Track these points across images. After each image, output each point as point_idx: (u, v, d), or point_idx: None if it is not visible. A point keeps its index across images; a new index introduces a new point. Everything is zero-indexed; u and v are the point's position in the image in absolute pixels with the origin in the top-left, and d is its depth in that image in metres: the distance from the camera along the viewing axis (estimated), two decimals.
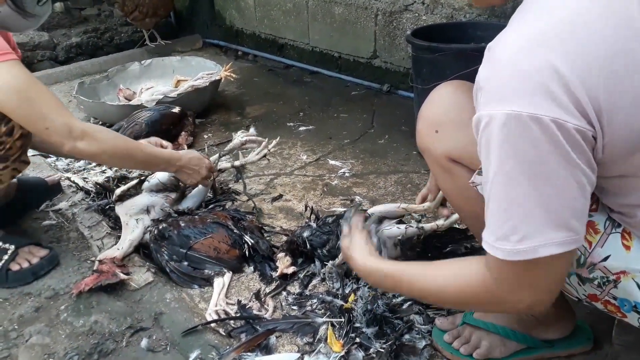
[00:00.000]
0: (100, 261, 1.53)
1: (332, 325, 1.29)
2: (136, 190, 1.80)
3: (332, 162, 2.25)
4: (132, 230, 1.64)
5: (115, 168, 2.13)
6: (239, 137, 1.93)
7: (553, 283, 0.86)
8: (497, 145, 0.77)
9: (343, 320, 1.29)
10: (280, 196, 2.01)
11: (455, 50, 2.03)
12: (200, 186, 1.84)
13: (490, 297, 0.90)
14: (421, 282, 1.00)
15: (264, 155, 1.92)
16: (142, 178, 1.82)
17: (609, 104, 0.75)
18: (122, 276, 1.48)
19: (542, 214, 0.78)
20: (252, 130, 1.99)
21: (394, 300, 1.36)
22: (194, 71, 3.01)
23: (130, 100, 2.78)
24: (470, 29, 2.35)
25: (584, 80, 0.74)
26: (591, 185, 0.80)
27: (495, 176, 0.79)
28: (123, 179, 1.97)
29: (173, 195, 1.79)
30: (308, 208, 1.82)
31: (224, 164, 1.94)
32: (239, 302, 1.43)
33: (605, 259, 0.91)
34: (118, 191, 1.77)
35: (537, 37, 0.78)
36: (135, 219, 1.67)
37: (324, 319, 1.31)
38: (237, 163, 1.91)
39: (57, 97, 1.49)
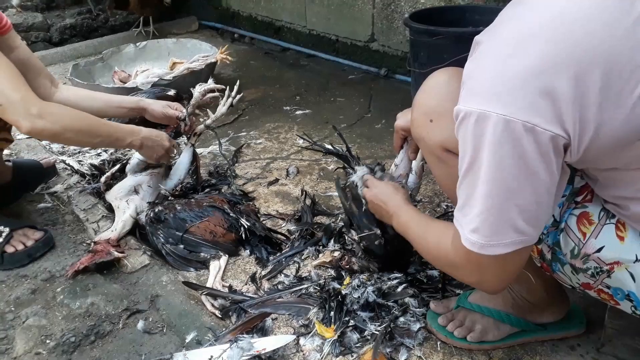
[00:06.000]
0: (95, 242, 1.54)
1: (323, 308, 1.30)
2: (121, 175, 1.78)
3: (328, 146, 2.24)
4: (124, 212, 1.64)
5: (109, 151, 2.12)
6: (196, 90, 1.84)
7: (500, 273, 0.92)
8: (470, 142, 0.82)
9: (334, 305, 1.29)
10: (277, 180, 2.00)
11: (453, 34, 2.02)
12: (182, 154, 1.81)
13: (450, 266, 1.00)
14: (420, 239, 1.12)
15: (231, 105, 1.85)
16: (124, 162, 1.81)
17: (596, 118, 0.76)
18: (117, 254, 1.49)
19: (492, 211, 0.83)
20: (210, 81, 1.89)
21: (388, 283, 1.37)
22: (189, 53, 2.98)
23: (125, 82, 2.76)
24: (468, 13, 2.34)
25: (576, 91, 0.74)
26: (549, 191, 0.83)
27: (467, 168, 0.84)
28: (118, 161, 1.95)
29: (157, 170, 1.77)
30: (304, 192, 1.83)
31: (197, 127, 1.87)
32: (230, 287, 1.43)
33: (599, 250, 0.92)
34: (102, 179, 1.77)
35: (525, 38, 0.78)
36: (125, 201, 1.67)
37: (314, 308, 1.31)
38: (208, 122, 1.85)
39: (14, 70, 1.38)
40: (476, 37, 0.90)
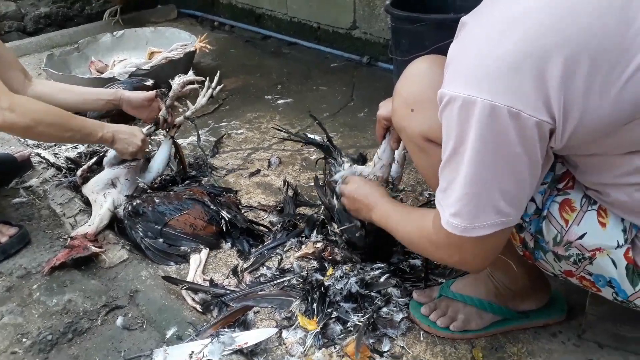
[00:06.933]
0: (72, 237, 1.50)
1: (306, 300, 1.29)
2: (98, 168, 1.75)
3: (311, 136, 2.21)
4: (101, 206, 1.61)
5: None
6: (175, 82, 1.80)
7: (481, 253, 0.92)
8: (454, 127, 0.81)
9: (316, 297, 1.28)
10: (258, 171, 1.98)
11: (435, 21, 2.00)
12: (161, 146, 1.78)
13: (431, 248, 0.99)
14: (399, 226, 1.11)
15: (211, 96, 1.83)
16: (101, 155, 1.77)
17: (582, 103, 0.75)
18: (94, 249, 1.46)
19: (474, 195, 0.83)
20: (190, 72, 1.86)
21: (371, 273, 1.36)
22: (168, 42, 2.92)
23: (102, 73, 2.69)
24: None
25: (564, 74, 0.73)
26: (533, 175, 0.83)
27: (451, 152, 0.84)
28: (95, 154, 1.91)
29: (135, 163, 1.73)
30: (286, 183, 1.80)
31: (176, 119, 1.83)
32: (211, 280, 1.41)
33: (581, 236, 0.92)
34: (78, 172, 1.73)
35: (515, 19, 0.76)
36: (103, 194, 1.63)
37: (297, 301, 1.30)
38: (188, 113, 1.81)
39: None
40: (463, 18, 0.88)
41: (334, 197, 1.39)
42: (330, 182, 1.42)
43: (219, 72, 1.87)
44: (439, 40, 1.88)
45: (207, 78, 1.84)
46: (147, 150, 1.72)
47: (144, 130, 1.73)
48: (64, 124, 1.46)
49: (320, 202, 1.69)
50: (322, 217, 1.59)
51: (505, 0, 0.81)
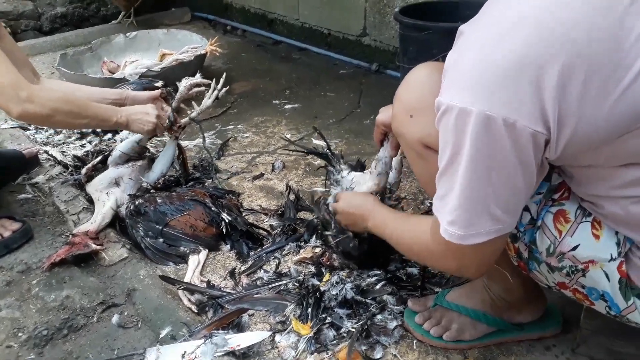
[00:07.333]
0: (73, 234, 1.52)
1: (301, 304, 1.28)
2: (103, 166, 1.77)
3: (316, 141, 2.22)
4: (104, 204, 1.62)
5: (93, 142, 2.10)
6: (182, 84, 1.81)
7: (479, 260, 0.93)
8: (451, 137, 0.81)
9: (311, 302, 1.27)
10: (262, 175, 1.98)
11: (442, 29, 2.00)
12: (166, 147, 1.78)
13: (428, 255, 1.00)
14: (396, 234, 1.12)
15: (217, 98, 1.83)
16: (106, 154, 1.79)
17: (577, 113, 0.74)
18: (94, 247, 1.47)
19: (470, 204, 0.83)
20: (197, 75, 1.86)
21: (367, 280, 1.35)
22: (180, 45, 2.95)
23: (113, 73, 2.73)
24: (460, 7, 2.31)
25: (560, 83, 0.73)
26: (528, 184, 0.83)
27: (448, 162, 0.84)
28: (101, 153, 1.93)
29: (139, 163, 1.75)
30: (288, 188, 1.81)
31: (182, 120, 1.82)
32: (208, 282, 1.42)
33: (575, 248, 0.91)
34: (83, 171, 1.75)
35: (511, 26, 0.76)
36: (106, 193, 1.65)
37: (292, 305, 1.30)
38: (193, 115, 1.82)
39: (3, 56, 1.39)
40: (460, 27, 0.88)
41: (326, 213, 1.41)
42: (322, 199, 1.44)
43: (225, 74, 1.88)
44: (446, 48, 1.85)
45: (214, 80, 1.85)
46: (166, 124, 1.70)
47: (173, 105, 1.76)
48: (80, 112, 1.49)
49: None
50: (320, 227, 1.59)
51: (501, 7, 0.80)
